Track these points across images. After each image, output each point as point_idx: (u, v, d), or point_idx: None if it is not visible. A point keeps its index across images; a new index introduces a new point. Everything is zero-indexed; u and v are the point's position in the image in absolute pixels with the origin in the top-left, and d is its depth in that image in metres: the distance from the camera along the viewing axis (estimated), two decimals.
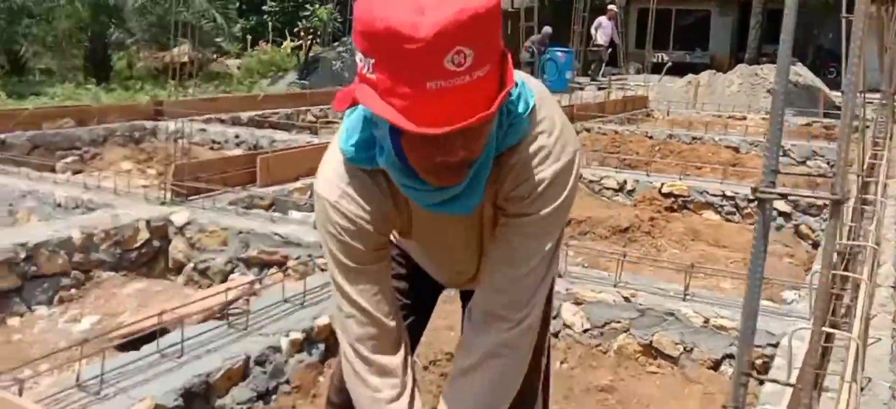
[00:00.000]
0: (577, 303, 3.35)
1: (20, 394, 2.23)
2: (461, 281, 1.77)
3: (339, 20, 18.13)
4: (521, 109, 1.34)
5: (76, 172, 6.21)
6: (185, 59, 13.42)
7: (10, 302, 3.68)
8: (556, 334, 3.36)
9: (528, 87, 1.38)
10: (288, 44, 19.12)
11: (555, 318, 3.36)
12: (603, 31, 17.29)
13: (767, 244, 1.22)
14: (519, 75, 1.38)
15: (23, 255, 3.73)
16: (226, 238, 4.22)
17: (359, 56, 1.15)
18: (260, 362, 2.70)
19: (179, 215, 4.39)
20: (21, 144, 6.83)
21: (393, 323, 1.49)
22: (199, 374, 2.49)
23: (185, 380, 2.45)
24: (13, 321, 3.61)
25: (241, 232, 4.18)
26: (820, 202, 5.06)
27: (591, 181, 6.23)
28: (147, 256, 4.31)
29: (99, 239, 4.07)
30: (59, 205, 4.79)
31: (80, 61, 14.64)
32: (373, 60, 1.12)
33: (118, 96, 11.32)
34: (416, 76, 1.09)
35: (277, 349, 2.78)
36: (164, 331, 2.75)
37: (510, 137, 1.34)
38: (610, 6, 18.08)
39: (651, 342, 3.21)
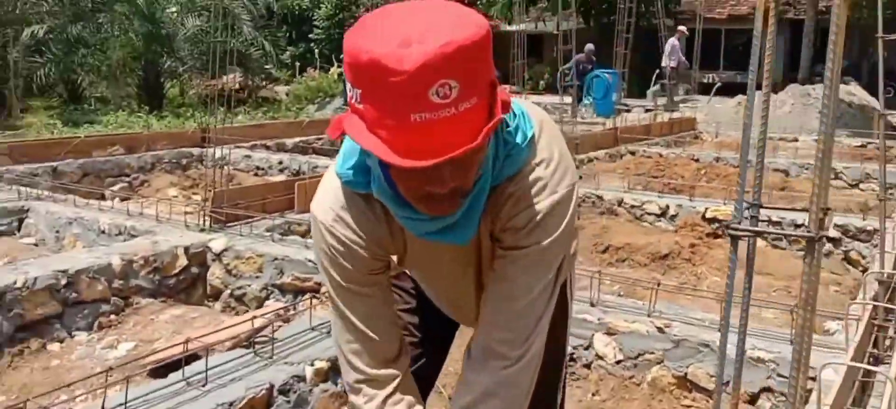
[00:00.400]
0: (610, 333, 3.28)
1: None
2: (468, 319, 1.73)
3: None
4: (519, 139, 1.33)
5: (124, 199, 6.36)
6: (236, 86, 13.72)
7: (50, 328, 3.76)
8: (588, 366, 3.29)
9: (528, 117, 1.37)
10: (335, 70, 19.47)
11: (586, 349, 3.29)
12: (675, 54, 16.72)
13: (752, 286, 1.16)
14: (519, 105, 1.37)
15: (64, 281, 3.82)
16: (261, 265, 4.26)
17: (348, 86, 1.16)
18: (284, 391, 2.70)
19: (217, 242, 4.45)
20: (71, 171, 7.03)
21: (387, 343, 1.48)
22: (221, 403, 2.50)
23: None
24: (53, 347, 3.68)
25: (275, 259, 4.22)
26: (869, 227, 4.88)
27: (632, 207, 6.12)
28: (185, 282, 4.37)
29: (138, 266, 4.14)
30: (103, 232, 4.90)
31: (134, 90, 15.11)
32: (360, 91, 1.12)
33: (169, 123, 11.60)
34: (400, 108, 1.08)
35: (302, 378, 2.77)
36: (191, 359, 2.77)
37: (508, 168, 1.33)
38: (680, 27, 17.75)
39: (686, 373, 3.12)
